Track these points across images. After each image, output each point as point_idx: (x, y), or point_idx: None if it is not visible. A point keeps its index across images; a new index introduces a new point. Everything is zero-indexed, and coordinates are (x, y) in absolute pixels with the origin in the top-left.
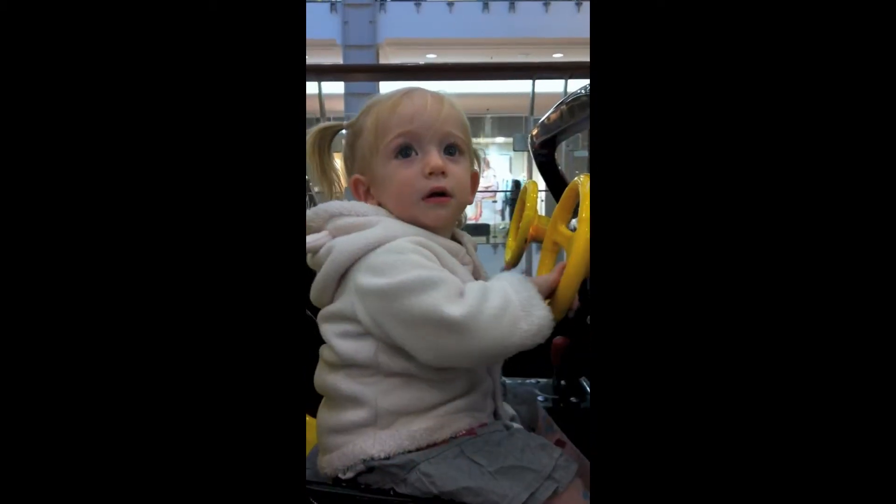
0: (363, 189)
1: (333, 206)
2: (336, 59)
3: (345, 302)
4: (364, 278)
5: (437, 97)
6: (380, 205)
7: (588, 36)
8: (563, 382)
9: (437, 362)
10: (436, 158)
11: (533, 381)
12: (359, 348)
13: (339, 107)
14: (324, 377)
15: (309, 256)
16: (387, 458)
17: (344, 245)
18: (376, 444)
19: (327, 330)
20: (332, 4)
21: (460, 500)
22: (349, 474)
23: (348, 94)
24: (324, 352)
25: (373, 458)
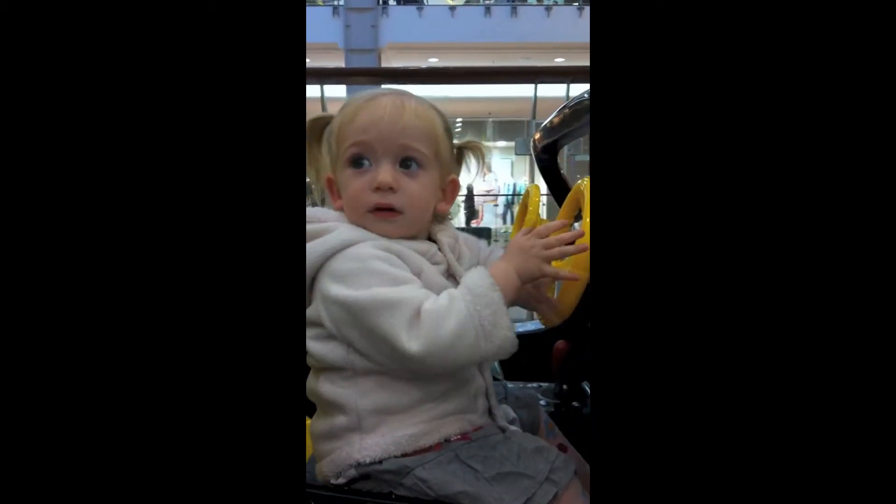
0: (336, 188)
1: None
2: (338, 62)
3: (314, 307)
4: (327, 285)
5: (398, 106)
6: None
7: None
8: (564, 387)
9: (403, 373)
10: (385, 173)
11: (535, 385)
12: (330, 349)
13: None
14: (309, 383)
15: None
16: (378, 464)
17: (309, 252)
18: (362, 449)
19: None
20: (335, 8)
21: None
22: (341, 480)
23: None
24: (308, 358)
25: (360, 464)
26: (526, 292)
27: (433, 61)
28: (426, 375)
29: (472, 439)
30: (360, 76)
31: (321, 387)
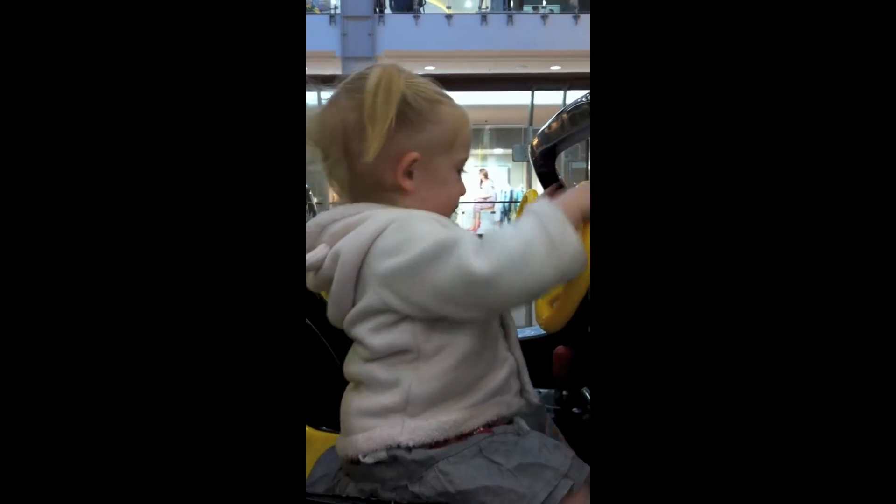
0: (412, 168)
1: (322, 217)
2: (335, 71)
3: (370, 297)
4: (382, 264)
5: None
6: (404, 190)
7: (586, 48)
8: (565, 393)
9: (486, 316)
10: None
11: (535, 391)
12: (395, 337)
13: None
14: (359, 367)
15: (311, 275)
16: (408, 451)
17: (350, 243)
18: (404, 431)
19: (358, 331)
20: (332, 16)
21: (478, 500)
22: (369, 459)
23: None
24: (357, 348)
25: (399, 446)
26: None
27: (430, 69)
28: (500, 309)
29: (494, 433)
30: None
31: (376, 370)
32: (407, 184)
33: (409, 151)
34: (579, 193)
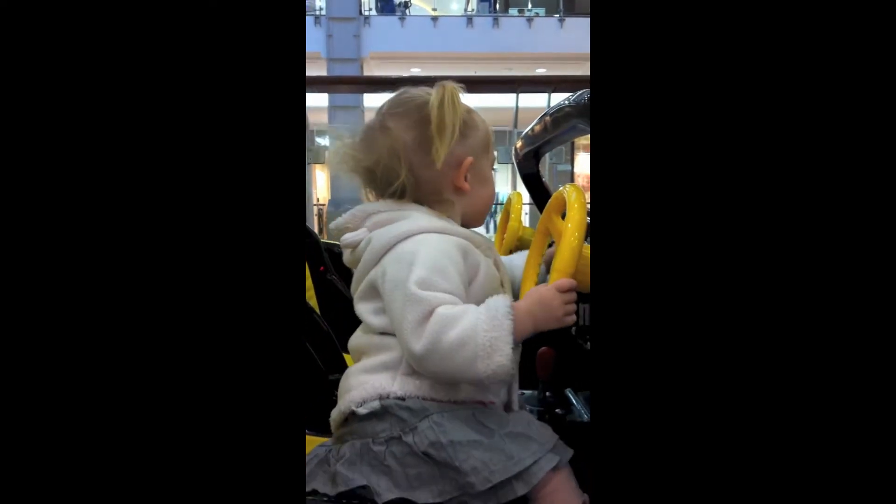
0: (468, 172)
1: (369, 206)
2: (321, 72)
3: (375, 272)
4: (391, 266)
5: None
6: (463, 191)
7: (571, 51)
8: (548, 394)
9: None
10: None
11: (518, 392)
12: (388, 322)
13: (322, 119)
14: (361, 338)
15: (348, 252)
16: (401, 400)
17: (380, 235)
18: (395, 383)
19: (363, 308)
20: (317, 18)
21: (468, 452)
22: (363, 410)
23: (332, 107)
24: (362, 325)
25: (388, 396)
26: None
27: (416, 71)
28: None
29: (487, 406)
30: (342, 84)
31: (373, 338)
32: (465, 185)
33: (467, 156)
34: (535, 306)
